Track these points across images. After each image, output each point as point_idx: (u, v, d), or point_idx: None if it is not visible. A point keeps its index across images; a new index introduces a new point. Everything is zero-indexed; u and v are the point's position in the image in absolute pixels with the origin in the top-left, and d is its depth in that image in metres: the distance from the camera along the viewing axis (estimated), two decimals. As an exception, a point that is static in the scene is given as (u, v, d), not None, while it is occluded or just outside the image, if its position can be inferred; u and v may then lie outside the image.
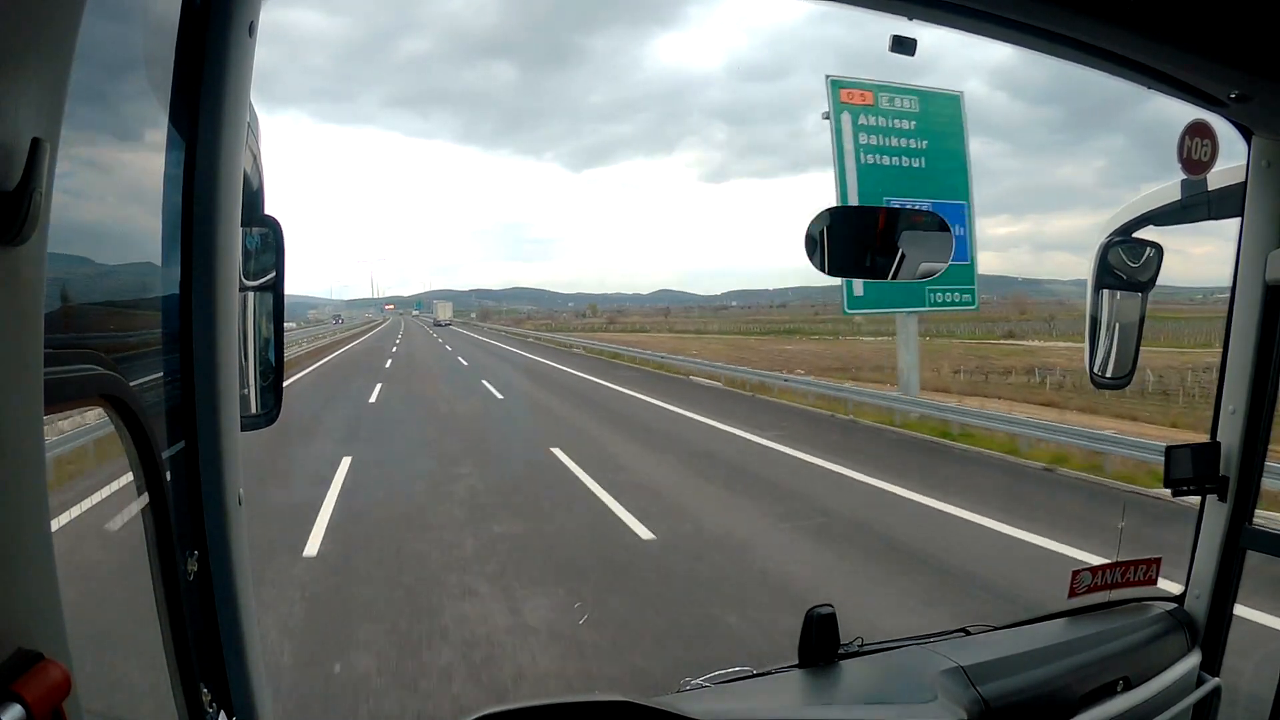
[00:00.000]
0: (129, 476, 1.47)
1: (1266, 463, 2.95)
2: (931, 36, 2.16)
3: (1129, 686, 2.79)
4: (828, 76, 23.33)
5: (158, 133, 1.56)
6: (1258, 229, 2.77)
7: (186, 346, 1.67)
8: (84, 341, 1.27)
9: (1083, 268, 3.02)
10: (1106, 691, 2.75)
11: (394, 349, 61.53)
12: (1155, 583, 3.13)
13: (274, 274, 1.93)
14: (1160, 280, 2.96)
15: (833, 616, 2.66)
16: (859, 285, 22.00)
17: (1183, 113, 2.62)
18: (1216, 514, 2.96)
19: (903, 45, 2.12)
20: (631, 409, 25.03)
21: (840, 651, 2.67)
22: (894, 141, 23.24)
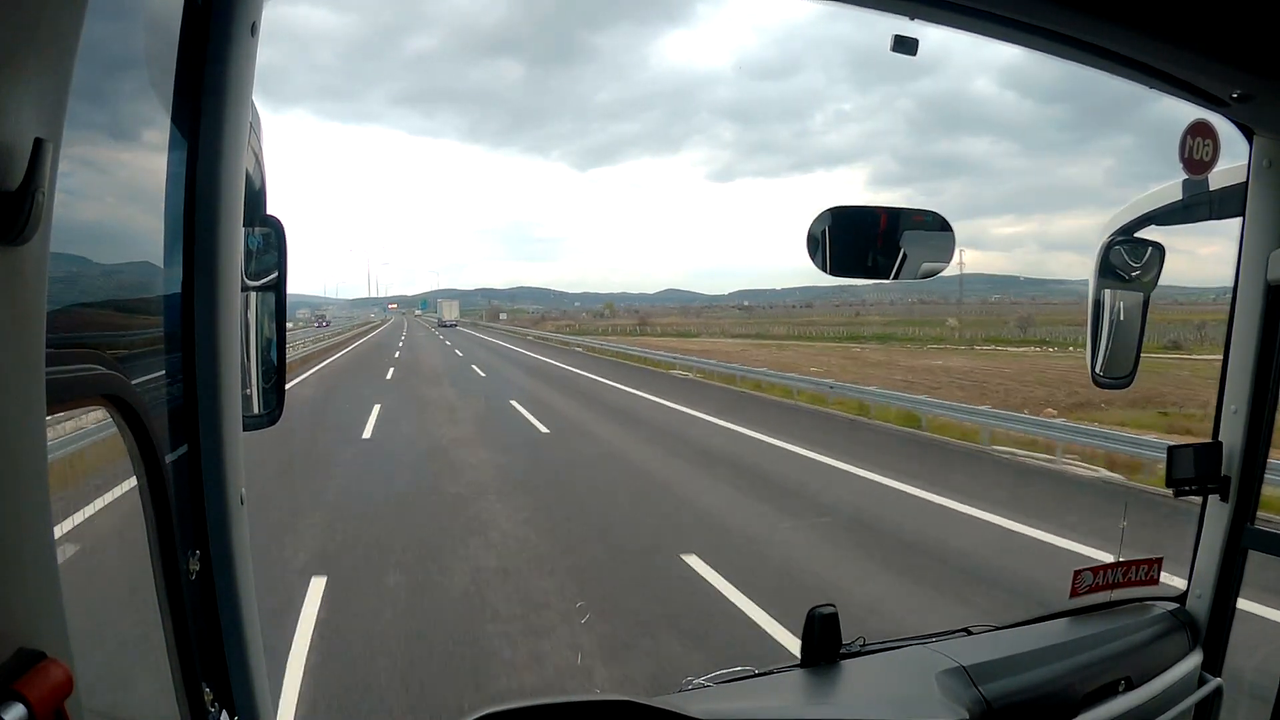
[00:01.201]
0: (131, 476, 1.47)
1: (1268, 462, 2.96)
2: (940, 36, 2.13)
3: (1131, 686, 2.79)
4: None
5: (160, 133, 1.56)
6: (1259, 229, 2.77)
7: (189, 346, 1.67)
8: (86, 341, 1.28)
9: (1088, 267, 3.01)
10: (1108, 691, 2.75)
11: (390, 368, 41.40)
12: (1157, 582, 3.13)
13: (276, 274, 1.93)
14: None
15: (834, 616, 2.66)
16: None
17: (1188, 112, 2.62)
18: (1218, 514, 2.96)
19: (904, 45, 2.12)
20: None
21: (842, 651, 2.68)
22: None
